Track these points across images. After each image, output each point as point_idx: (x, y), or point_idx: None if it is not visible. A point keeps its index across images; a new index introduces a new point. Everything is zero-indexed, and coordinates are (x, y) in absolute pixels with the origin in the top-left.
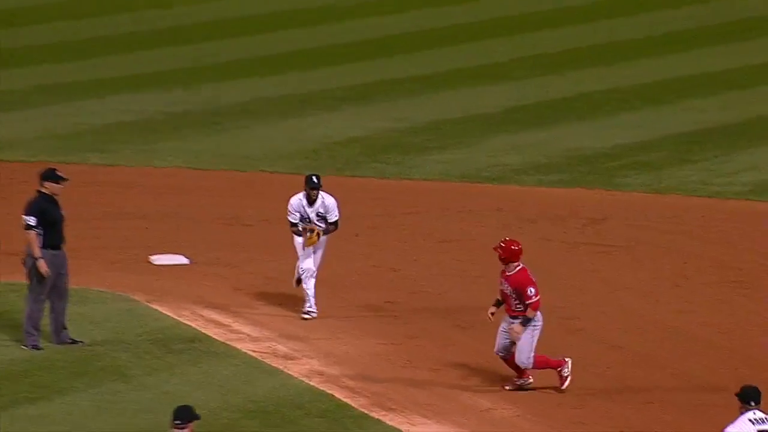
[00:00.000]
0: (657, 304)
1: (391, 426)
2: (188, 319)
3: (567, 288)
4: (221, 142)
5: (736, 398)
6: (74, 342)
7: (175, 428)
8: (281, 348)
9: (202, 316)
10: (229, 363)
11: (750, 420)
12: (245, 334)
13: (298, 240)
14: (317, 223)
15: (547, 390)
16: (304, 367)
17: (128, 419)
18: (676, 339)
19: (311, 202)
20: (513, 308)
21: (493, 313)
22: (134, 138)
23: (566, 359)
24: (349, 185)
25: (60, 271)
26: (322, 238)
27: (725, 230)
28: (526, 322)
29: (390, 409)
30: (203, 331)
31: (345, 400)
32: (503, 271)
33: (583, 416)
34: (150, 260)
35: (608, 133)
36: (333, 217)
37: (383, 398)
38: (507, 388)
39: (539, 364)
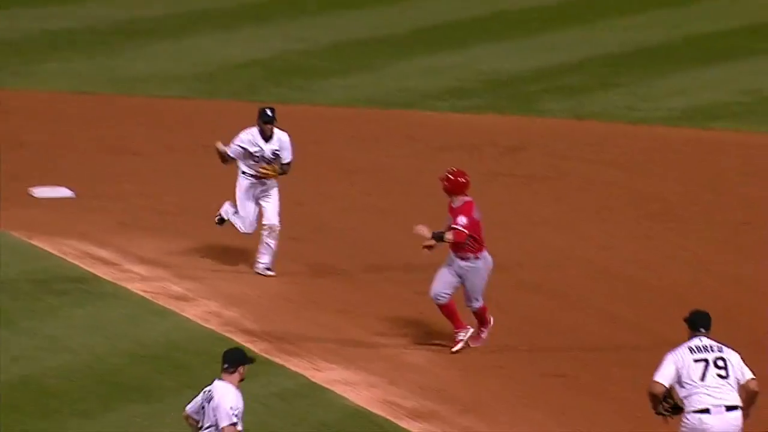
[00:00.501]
0: (579, 240)
1: (294, 371)
2: (73, 257)
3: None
4: (106, 63)
5: (685, 323)
6: None
7: (224, 373)
8: (175, 288)
9: (88, 253)
10: (118, 304)
11: (690, 348)
12: (135, 274)
13: (244, 184)
14: (272, 163)
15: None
16: (200, 309)
17: (6, 366)
18: (600, 277)
19: (267, 138)
20: (460, 250)
21: (430, 247)
22: (9, 59)
23: (468, 327)
24: (247, 111)
25: None
26: (274, 182)
27: (652, 159)
28: (439, 238)
29: (294, 354)
30: (89, 270)
31: (245, 344)
32: (449, 205)
33: (501, 360)
34: (30, 193)
35: (527, 55)
36: (287, 156)
37: (286, 342)
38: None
39: (448, 309)
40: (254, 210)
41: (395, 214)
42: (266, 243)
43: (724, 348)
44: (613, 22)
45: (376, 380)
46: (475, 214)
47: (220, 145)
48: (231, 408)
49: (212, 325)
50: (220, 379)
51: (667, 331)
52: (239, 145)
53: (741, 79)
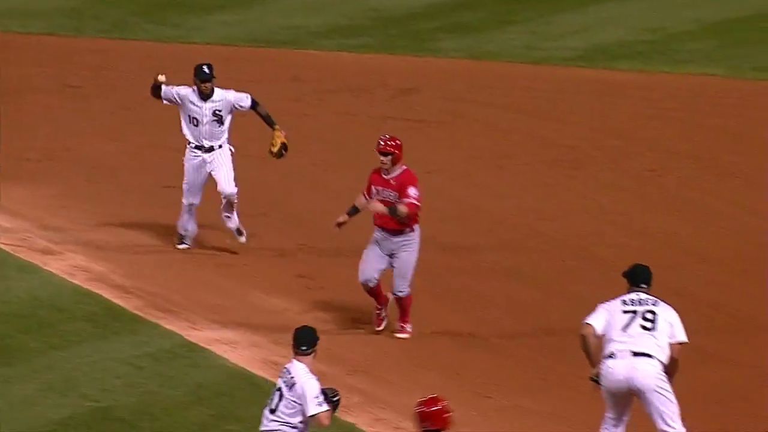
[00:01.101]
0: (475, 188)
1: (169, 330)
2: None
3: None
4: None
5: (624, 278)
6: None
7: (299, 355)
8: (39, 241)
9: None
10: None
11: (624, 300)
12: None
13: (191, 160)
14: (210, 125)
15: (352, 296)
16: (66, 263)
17: None
18: (497, 227)
19: (205, 97)
20: (393, 225)
21: (341, 223)
22: None
23: (389, 296)
24: (117, 50)
25: None
26: (224, 149)
27: (552, 102)
28: (393, 212)
29: (169, 311)
30: None
31: (115, 300)
32: (377, 176)
33: (395, 315)
34: None
35: None
36: (246, 102)
37: (161, 299)
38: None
39: (375, 291)
40: (202, 180)
41: (278, 161)
42: (225, 216)
43: (661, 304)
44: None
45: (259, 340)
46: None
47: (162, 77)
48: (316, 397)
49: (79, 281)
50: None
51: (571, 285)
52: (176, 93)
53: (645, 17)
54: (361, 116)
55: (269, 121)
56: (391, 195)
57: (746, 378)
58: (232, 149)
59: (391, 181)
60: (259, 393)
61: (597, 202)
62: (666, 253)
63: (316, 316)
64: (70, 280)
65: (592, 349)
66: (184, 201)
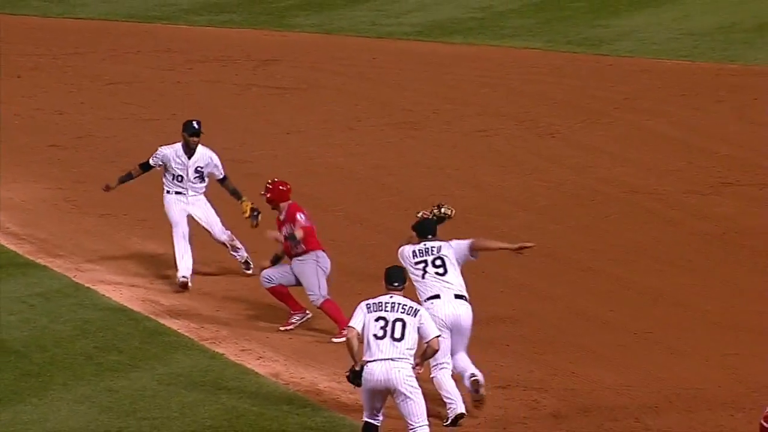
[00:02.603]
0: (329, 147)
1: (57, 272)
2: None
3: (238, 131)
4: None
5: (413, 231)
6: None
7: (396, 290)
8: None
9: None
10: None
11: (413, 251)
12: None
13: (173, 203)
14: (193, 181)
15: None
16: None
17: None
18: (346, 181)
19: (190, 153)
20: (294, 251)
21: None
22: None
23: (305, 311)
24: (7, 23)
25: None
26: (200, 196)
27: (395, 72)
28: (292, 238)
29: (57, 256)
30: None
31: (9, 247)
32: (277, 219)
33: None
34: None
35: None
36: (219, 173)
37: (50, 245)
38: (281, 328)
39: (277, 293)
40: (186, 214)
41: (154, 123)
42: (234, 252)
43: (444, 247)
44: None
45: (139, 281)
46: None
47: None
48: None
49: None
50: (394, 294)
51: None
52: (161, 160)
53: None
54: (227, 84)
55: (237, 195)
56: (288, 229)
57: (558, 312)
58: None
59: (281, 218)
60: (138, 327)
61: (434, 158)
62: (494, 203)
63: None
64: None
65: None
66: (177, 231)
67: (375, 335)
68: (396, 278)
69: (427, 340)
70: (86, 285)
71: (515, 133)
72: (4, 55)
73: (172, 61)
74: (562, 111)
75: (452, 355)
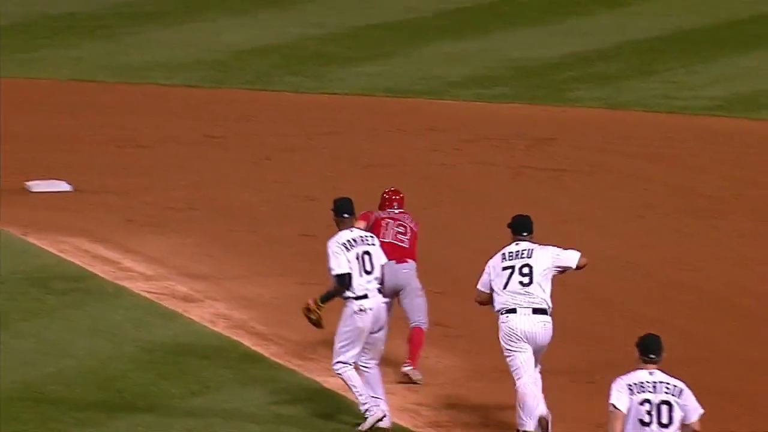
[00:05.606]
0: (613, 238)
1: (307, 377)
2: (71, 256)
3: (508, 219)
4: (110, 49)
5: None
6: None
7: (650, 363)
8: (181, 288)
9: (88, 251)
10: (120, 306)
11: (503, 255)
12: (138, 273)
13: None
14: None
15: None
16: (207, 311)
17: (2, 372)
18: (634, 277)
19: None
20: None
21: None
22: (7, 44)
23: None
24: (260, 101)
25: None
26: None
27: (692, 152)
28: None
29: (307, 359)
30: (89, 269)
31: (255, 348)
32: (397, 216)
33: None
34: (26, 187)
35: (558, 41)
36: None
37: (299, 346)
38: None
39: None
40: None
41: (415, 210)
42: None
43: (536, 251)
44: (648, 5)
45: (392, 387)
46: None
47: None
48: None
49: (219, 328)
50: (654, 371)
51: (713, 336)
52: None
53: None
54: (498, 166)
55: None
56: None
57: None
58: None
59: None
60: None
61: (738, 251)
62: None
63: (453, 364)
64: (211, 327)
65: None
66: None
67: (641, 421)
68: (653, 349)
69: (690, 422)
70: (339, 392)
71: None
72: (255, 136)
73: (437, 140)
74: None
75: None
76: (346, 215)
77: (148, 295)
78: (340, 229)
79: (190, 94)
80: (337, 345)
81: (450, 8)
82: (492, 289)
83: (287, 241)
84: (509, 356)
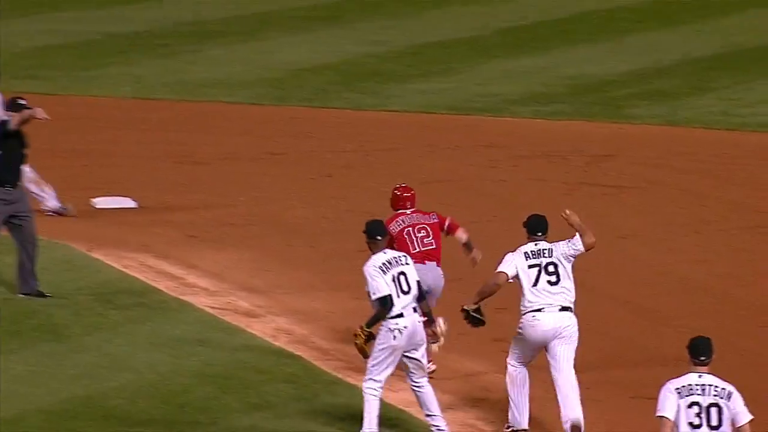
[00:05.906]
0: (670, 253)
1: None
2: (135, 271)
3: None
4: (170, 67)
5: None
6: (42, 295)
7: (702, 365)
8: (242, 304)
9: (151, 267)
10: (182, 321)
11: (526, 253)
12: (201, 288)
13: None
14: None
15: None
16: (268, 326)
17: (65, 385)
18: (690, 292)
19: None
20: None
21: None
22: (70, 63)
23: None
24: (319, 118)
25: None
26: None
27: (749, 168)
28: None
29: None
30: (152, 284)
31: (315, 363)
32: (422, 216)
33: (586, 381)
34: (91, 203)
35: (616, 58)
36: None
37: (359, 360)
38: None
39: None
40: None
41: (474, 225)
42: None
43: (555, 249)
44: (707, 22)
45: (453, 401)
46: None
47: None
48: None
49: (281, 343)
50: (703, 373)
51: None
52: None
53: None
54: (555, 182)
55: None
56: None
57: None
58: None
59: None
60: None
61: None
62: None
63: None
64: (272, 342)
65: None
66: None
67: (690, 423)
68: (703, 351)
69: (740, 425)
70: (399, 406)
71: None
72: (314, 152)
73: (495, 157)
74: None
75: (556, 372)
76: (379, 237)
77: (209, 310)
78: (373, 252)
79: (249, 111)
80: (370, 363)
81: (508, 26)
82: (520, 286)
83: (345, 256)
84: (519, 344)
